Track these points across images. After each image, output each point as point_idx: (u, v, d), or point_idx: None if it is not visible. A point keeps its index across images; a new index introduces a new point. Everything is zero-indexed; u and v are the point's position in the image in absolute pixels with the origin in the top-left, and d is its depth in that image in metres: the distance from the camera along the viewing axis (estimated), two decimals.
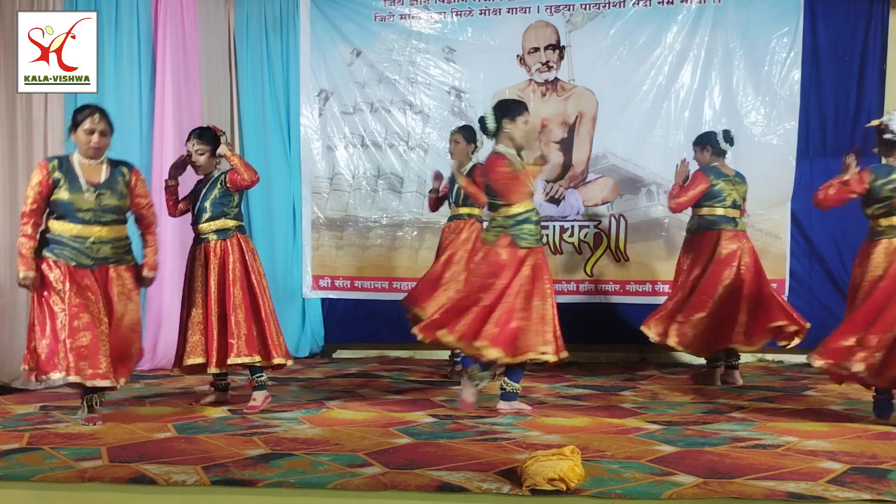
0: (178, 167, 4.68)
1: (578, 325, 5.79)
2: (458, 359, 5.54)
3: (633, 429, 3.88)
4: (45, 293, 3.99)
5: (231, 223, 4.55)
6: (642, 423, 4.04)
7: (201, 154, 4.58)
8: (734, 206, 5.32)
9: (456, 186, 5.52)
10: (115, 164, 4.20)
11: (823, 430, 3.85)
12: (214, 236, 4.52)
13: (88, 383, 3.92)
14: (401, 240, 6.85)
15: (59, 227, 4.03)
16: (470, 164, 5.41)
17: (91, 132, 4.08)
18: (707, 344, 5.24)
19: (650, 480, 2.92)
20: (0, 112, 5.48)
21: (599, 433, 3.77)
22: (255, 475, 3.02)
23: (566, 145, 6.68)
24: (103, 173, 4.13)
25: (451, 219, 5.65)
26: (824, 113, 6.38)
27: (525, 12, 6.69)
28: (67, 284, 3.96)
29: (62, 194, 4.02)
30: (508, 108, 4.38)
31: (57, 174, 4.02)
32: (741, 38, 6.44)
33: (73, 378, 3.91)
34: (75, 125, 4.11)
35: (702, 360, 5.64)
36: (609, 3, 6.59)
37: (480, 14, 6.74)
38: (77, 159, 4.11)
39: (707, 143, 5.41)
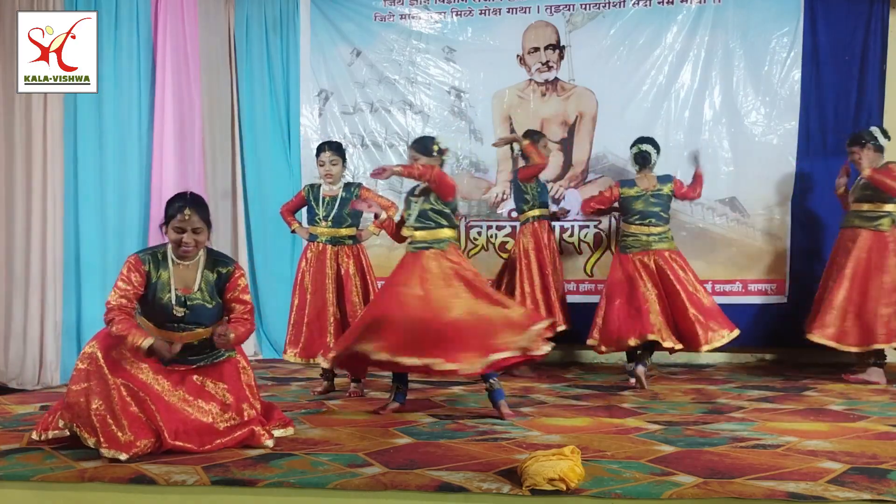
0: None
1: (578, 324, 5.78)
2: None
3: (633, 429, 3.88)
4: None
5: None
6: (642, 423, 4.04)
7: (335, 165, 5.01)
8: None
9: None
10: (212, 264, 3.60)
11: (823, 430, 3.85)
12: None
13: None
14: None
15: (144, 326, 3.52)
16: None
17: (181, 231, 3.49)
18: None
19: (650, 480, 2.92)
20: None
21: (599, 433, 3.78)
22: (255, 475, 3.02)
23: (566, 145, 6.68)
24: (198, 279, 3.55)
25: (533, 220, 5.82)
26: (824, 113, 6.38)
27: (525, 12, 6.70)
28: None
29: (150, 297, 3.50)
30: None
31: (150, 270, 3.49)
32: (741, 38, 6.45)
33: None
34: (167, 219, 3.54)
35: None
36: (609, 3, 6.59)
37: (480, 14, 6.75)
38: (171, 255, 3.56)
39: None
